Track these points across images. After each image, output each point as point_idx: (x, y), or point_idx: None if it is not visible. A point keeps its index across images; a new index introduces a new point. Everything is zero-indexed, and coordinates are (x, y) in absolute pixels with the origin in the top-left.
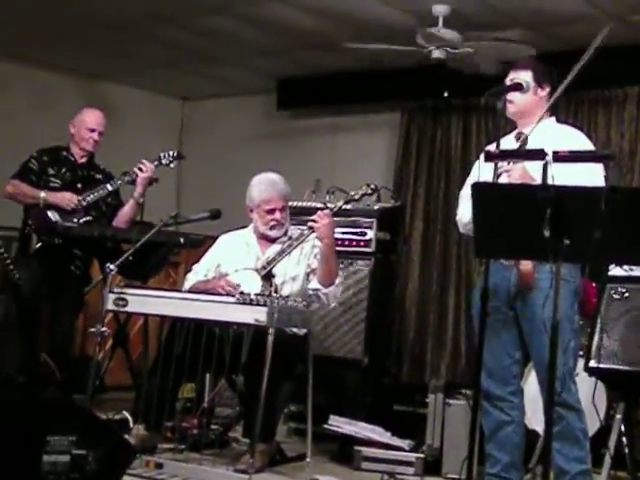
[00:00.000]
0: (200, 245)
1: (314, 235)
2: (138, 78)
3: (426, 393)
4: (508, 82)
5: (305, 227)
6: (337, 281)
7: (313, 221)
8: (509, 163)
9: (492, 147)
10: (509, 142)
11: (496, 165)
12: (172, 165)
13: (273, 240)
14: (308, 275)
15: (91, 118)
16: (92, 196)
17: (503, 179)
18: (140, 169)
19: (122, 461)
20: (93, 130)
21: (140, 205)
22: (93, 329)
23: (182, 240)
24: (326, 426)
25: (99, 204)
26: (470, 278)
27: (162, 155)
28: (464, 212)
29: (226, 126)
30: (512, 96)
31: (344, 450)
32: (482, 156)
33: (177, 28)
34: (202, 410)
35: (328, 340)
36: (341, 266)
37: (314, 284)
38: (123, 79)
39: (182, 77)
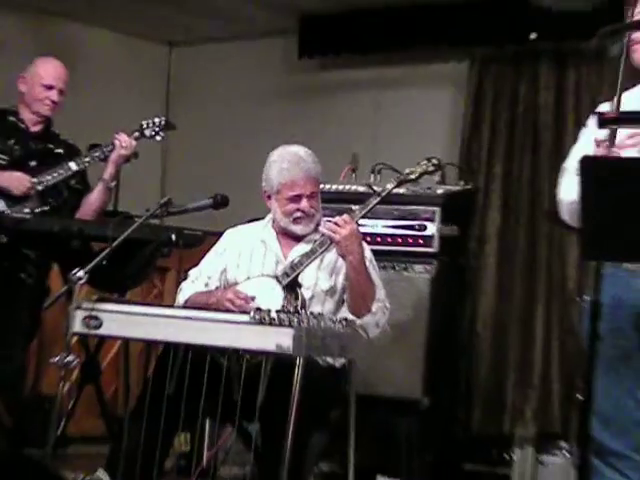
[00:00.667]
0: (198, 244)
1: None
2: (109, 16)
3: (507, 447)
4: (637, 16)
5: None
6: (374, 307)
7: (330, 230)
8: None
9: (607, 107)
10: (632, 101)
11: (613, 133)
12: (158, 138)
13: (299, 238)
14: (344, 291)
15: (48, 71)
16: (50, 177)
17: (628, 152)
18: (115, 143)
19: None
20: (50, 87)
21: (111, 191)
22: (55, 359)
23: (174, 237)
24: None
25: (60, 189)
26: (565, 288)
27: (144, 124)
28: (568, 188)
29: (229, 82)
30: None
31: None
32: (593, 120)
33: None
34: (201, 470)
35: (375, 374)
36: (392, 273)
37: (345, 314)
38: (88, 18)
39: (169, 14)
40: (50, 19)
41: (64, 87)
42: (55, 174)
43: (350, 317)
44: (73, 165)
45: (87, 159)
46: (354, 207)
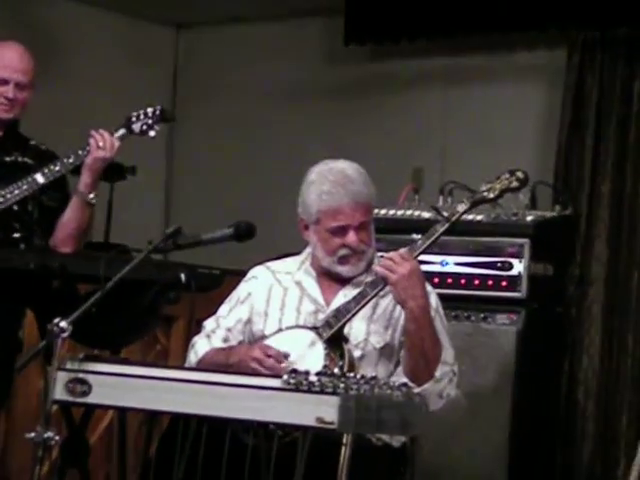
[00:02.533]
0: (215, 286)
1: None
2: None
3: None
4: None
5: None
6: (438, 372)
7: (384, 267)
8: None
9: None
10: None
11: None
12: (152, 133)
13: (345, 280)
14: (400, 348)
15: (1, 60)
16: (10, 195)
17: None
18: (90, 142)
19: None
20: (5, 82)
21: (91, 206)
22: (30, 434)
23: (183, 277)
24: None
25: (28, 209)
26: None
27: (133, 117)
28: None
29: (252, 74)
30: None
31: None
32: None
33: None
34: None
35: (444, 458)
36: (467, 325)
37: (400, 377)
38: None
39: None
40: None
41: (26, 80)
42: (16, 191)
43: (406, 382)
44: (39, 177)
45: (56, 167)
46: (416, 237)
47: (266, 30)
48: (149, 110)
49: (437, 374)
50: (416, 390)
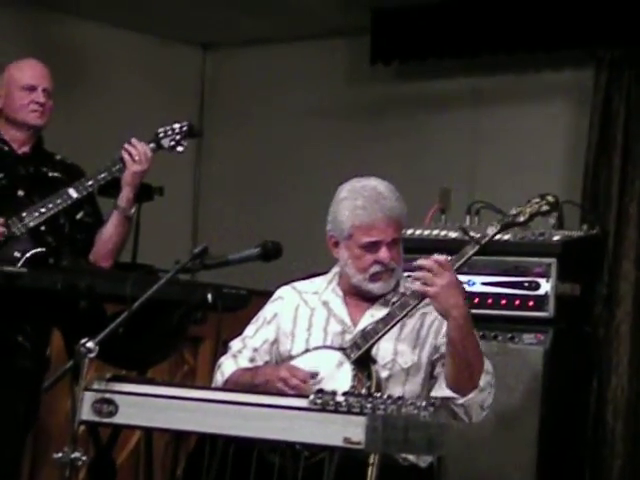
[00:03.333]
0: (242, 306)
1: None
2: (125, 11)
3: None
4: None
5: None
6: (482, 382)
7: (421, 279)
8: None
9: None
10: None
11: None
12: (181, 148)
13: (373, 299)
14: (434, 365)
15: (25, 71)
16: (44, 210)
17: None
18: (124, 157)
19: None
20: (33, 88)
21: (131, 221)
22: (57, 454)
23: (210, 297)
24: None
25: (60, 223)
26: None
27: (161, 132)
28: None
29: (281, 93)
30: None
31: None
32: None
33: None
34: None
35: (473, 477)
36: (494, 344)
37: (441, 390)
38: (98, 12)
39: (203, 11)
40: (46, 12)
41: (49, 87)
42: (50, 205)
43: (449, 394)
44: (72, 192)
45: (90, 182)
46: (474, 234)
47: (292, 50)
48: (177, 125)
49: (481, 383)
50: (460, 401)
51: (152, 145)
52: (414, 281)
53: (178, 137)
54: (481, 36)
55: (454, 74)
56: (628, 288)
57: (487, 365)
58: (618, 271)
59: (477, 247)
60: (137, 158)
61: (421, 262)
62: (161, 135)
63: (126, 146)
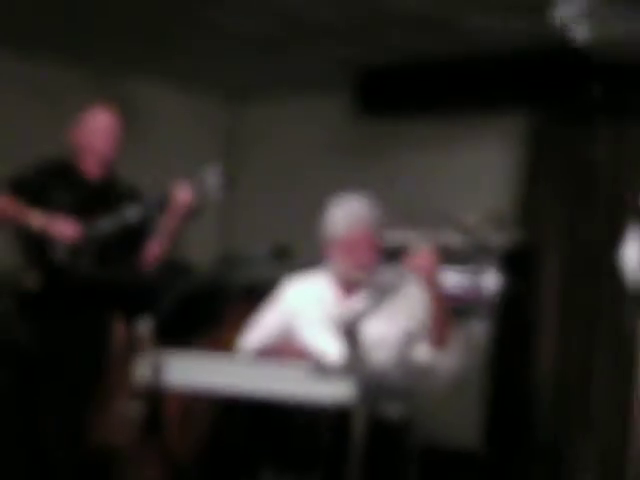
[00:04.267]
0: (260, 295)
1: (414, 282)
2: (169, 73)
3: None
4: None
5: (399, 271)
6: (453, 344)
7: (413, 264)
8: None
9: None
10: None
11: None
12: (218, 196)
13: (358, 288)
14: (410, 335)
15: (99, 116)
16: (106, 225)
17: None
18: (174, 198)
19: None
20: (105, 128)
21: (172, 241)
22: (120, 408)
23: (236, 290)
24: None
25: (119, 237)
26: (628, 343)
27: (204, 179)
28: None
29: (287, 136)
30: None
31: None
32: None
33: (220, 6)
34: None
35: (431, 426)
36: None
37: (420, 350)
38: (149, 75)
39: (226, 71)
40: (108, 76)
41: (117, 128)
42: (114, 221)
43: (424, 356)
44: (129, 215)
45: (142, 212)
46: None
47: (298, 103)
48: (214, 178)
49: (450, 343)
50: (435, 360)
51: (196, 190)
52: (410, 266)
53: (215, 188)
54: (439, 91)
55: (420, 120)
56: (551, 289)
57: (456, 335)
58: (543, 274)
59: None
60: (181, 203)
61: (413, 253)
62: (203, 181)
63: (177, 191)
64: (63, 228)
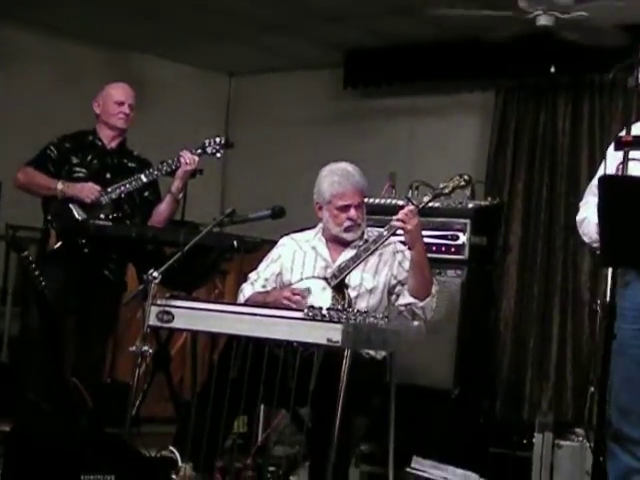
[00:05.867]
0: (256, 250)
1: (396, 239)
2: (177, 49)
3: (524, 432)
4: None
5: (384, 229)
6: (434, 290)
7: (400, 221)
8: None
9: (624, 133)
10: None
11: (626, 154)
12: (218, 155)
13: (346, 244)
14: (394, 287)
15: (117, 90)
16: (123, 188)
17: (636, 170)
18: (181, 160)
19: None
20: (122, 103)
21: (178, 202)
22: (132, 348)
23: (236, 243)
24: (408, 470)
25: (134, 198)
26: (578, 295)
27: (207, 142)
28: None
29: (282, 107)
30: None
31: None
32: (612, 145)
33: None
34: (257, 449)
35: (412, 366)
36: None
37: (406, 298)
38: (159, 51)
39: (229, 48)
40: (125, 52)
41: (133, 102)
42: (127, 185)
43: (412, 300)
44: (143, 177)
45: (155, 172)
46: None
47: (292, 78)
48: (217, 139)
49: (433, 291)
50: (420, 304)
51: (199, 151)
52: (395, 221)
53: (217, 147)
54: (418, 69)
55: (399, 94)
56: (515, 241)
57: (434, 281)
58: (509, 229)
59: (417, 209)
60: (188, 161)
61: (400, 214)
62: (206, 144)
63: (182, 153)
64: (83, 191)
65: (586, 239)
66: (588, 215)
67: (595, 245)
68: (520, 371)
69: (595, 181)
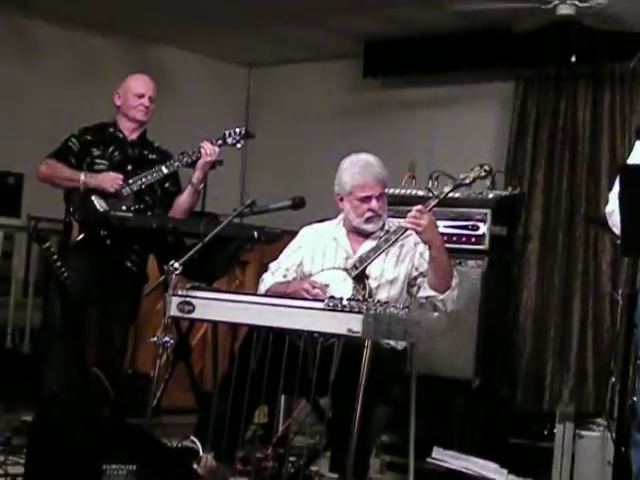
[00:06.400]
0: (277, 240)
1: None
2: (196, 41)
3: (545, 423)
4: None
5: (403, 221)
6: (454, 283)
7: (410, 223)
8: None
9: None
10: None
11: None
12: (239, 145)
13: (367, 235)
14: (415, 279)
15: (137, 83)
16: (144, 179)
17: None
18: (201, 151)
19: None
20: (142, 95)
21: (199, 193)
22: (153, 338)
23: (256, 234)
24: (429, 460)
25: (155, 189)
26: (599, 283)
27: (227, 133)
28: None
29: (302, 98)
30: None
31: None
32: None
33: None
34: (277, 439)
35: (432, 357)
36: None
37: (426, 291)
38: (178, 42)
39: (248, 39)
40: (145, 43)
41: (153, 95)
42: (149, 176)
43: (432, 293)
44: (164, 168)
45: (176, 163)
46: (435, 192)
47: (311, 69)
48: (237, 130)
49: (453, 284)
50: (440, 297)
51: (219, 142)
52: (406, 222)
53: (238, 137)
54: (438, 59)
55: (419, 84)
56: (535, 231)
57: (455, 273)
58: (530, 219)
59: (437, 200)
60: (209, 152)
61: (410, 214)
62: (226, 135)
63: (202, 144)
64: (107, 180)
65: (616, 230)
66: (617, 207)
67: None
68: (541, 361)
69: None
